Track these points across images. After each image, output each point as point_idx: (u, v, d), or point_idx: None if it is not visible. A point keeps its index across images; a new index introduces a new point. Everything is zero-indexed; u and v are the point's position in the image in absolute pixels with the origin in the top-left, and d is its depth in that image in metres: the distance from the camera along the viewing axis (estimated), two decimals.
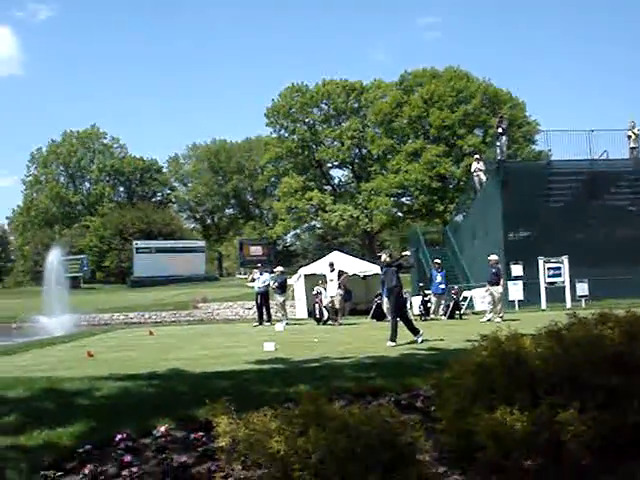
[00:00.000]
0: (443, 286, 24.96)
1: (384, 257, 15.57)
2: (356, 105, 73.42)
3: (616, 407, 4.47)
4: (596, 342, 4.87)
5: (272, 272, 25.40)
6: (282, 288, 24.32)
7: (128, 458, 4.97)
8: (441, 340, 14.22)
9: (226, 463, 4.42)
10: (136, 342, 17.64)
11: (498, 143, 31.64)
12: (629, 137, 31.35)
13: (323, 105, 74.10)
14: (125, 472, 4.74)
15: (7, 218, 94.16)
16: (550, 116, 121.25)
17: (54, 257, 32.01)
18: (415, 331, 14.56)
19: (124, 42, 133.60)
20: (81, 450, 5.20)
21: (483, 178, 32.34)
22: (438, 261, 26.13)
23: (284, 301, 24.40)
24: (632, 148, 31.36)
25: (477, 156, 35.09)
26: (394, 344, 13.63)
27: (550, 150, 34.89)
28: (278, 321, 22.94)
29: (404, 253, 15.43)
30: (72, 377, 9.15)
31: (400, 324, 14.43)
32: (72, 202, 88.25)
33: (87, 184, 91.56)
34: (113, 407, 6.87)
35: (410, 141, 67.30)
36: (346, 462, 3.91)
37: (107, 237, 74.33)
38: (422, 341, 14.02)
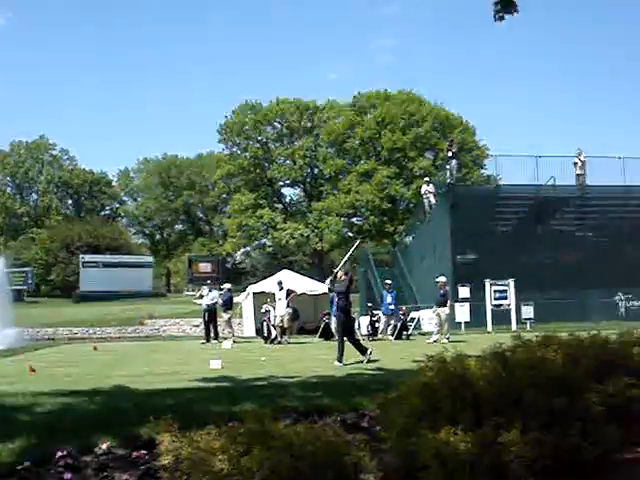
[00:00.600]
0: (393, 307, 25.14)
1: (340, 274, 15.47)
2: (309, 125, 73.69)
3: (558, 428, 4.54)
4: (539, 364, 4.95)
5: (220, 289, 25.28)
6: (228, 305, 24.24)
7: (68, 476, 4.86)
8: (388, 360, 14.28)
9: None
10: (80, 358, 17.35)
11: (448, 166, 32.12)
12: (575, 164, 32.10)
13: (276, 123, 74.20)
14: None
15: None
16: (499, 141, 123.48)
17: None
18: (363, 351, 14.57)
19: (76, 53, 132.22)
20: (20, 467, 5.08)
21: (432, 201, 32.73)
22: (389, 282, 26.33)
23: (229, 318, 24.32)
24: (578, 175, 32.11)
25: (427, 179, 35.52)
26: (341, 364, 13.65)
27: (499, 175, 35.57)
28: (225, 339, 22.80)
29: (340, 274, 15.39)
30: (13, 392, 8.95)
31: (347, 344, 14.46)
32: (18, 213, 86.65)
33: (34, 195, 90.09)
34: (54, 423, 6.72)
35: (362, 162, 67.75)
36: None
37: (53, 250, 73.03)
38: (369, 361, 14.05)
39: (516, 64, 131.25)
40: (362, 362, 13.98)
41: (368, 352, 14.48)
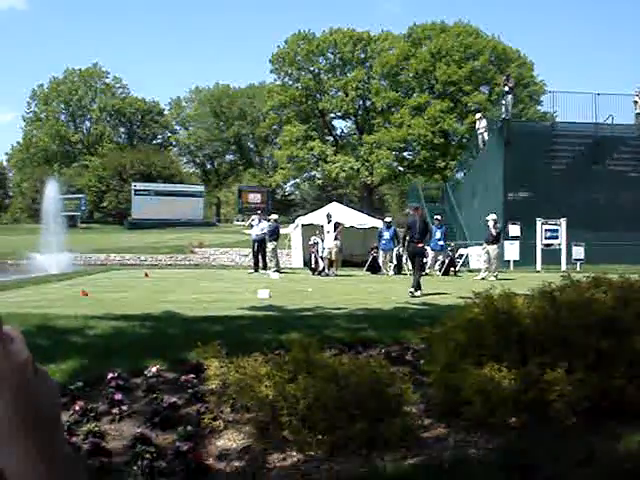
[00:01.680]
0: (442, 242, 24.96)
1: (411, 211, 16.77)
2: (362, 56, 72.47)
3: (603, 370, 4.51)
4: (588, 305, 4.90)
5: (267, 220, 25.37)
6: (274, 236, 24.34)
7: (119, 396, 5.02)
8: (434, 296, 14.29)
9: (215, 406, 4.48)
10: (131, 283, 17.71)
11: (503, 102, 31.42)
12: (635, 102, 31.12)
13: (329, 54, 73.14)
14: (115, 410, 4.80)
15: (6, 154, 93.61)
16: (557, 78, 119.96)
17: (51, 194, 31.90)
18: (418, 286, 14.93)
19: None
20: (72, 387, 5.26)
21: (486, 137, 32.18)
22: (438, 217, 26.12)
23: (275, 248, 24.44)
24: (638, 114, 31.16)
25: (479, 115, 34.82)
26: (417, 294, 14.38)
27: (555, 112, 34.73)
28: (273, 269, 23.02)
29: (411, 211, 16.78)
30: (66, 315, 9.19)
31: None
32: (72, 141, 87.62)
33: (87, 123, 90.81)
34: (106, 346, 6.91)
35: (415, 95, 66.62)
36: (333, 410, 3.96)
37: (106, 178, 73.96)
38: (412, 296, 14.28)
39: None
40: (410, 294, 14.34)
41: (419, 292, 14.70)
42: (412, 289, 14.61)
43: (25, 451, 0.68)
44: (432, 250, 25.02)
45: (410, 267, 24.82)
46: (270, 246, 24.20)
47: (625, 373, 4.51)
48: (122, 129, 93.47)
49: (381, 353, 6.33)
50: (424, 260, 18.32)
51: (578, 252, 26.88)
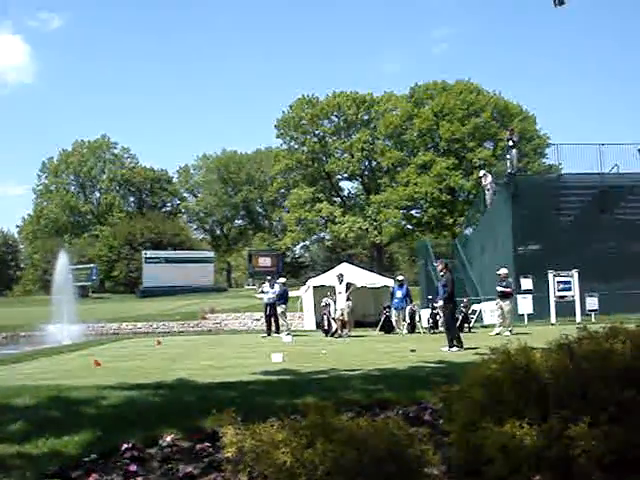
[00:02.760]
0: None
1: (441, 267, 17.28)
2: (366, 117, 73.55)
3: (627, 421, 4.42)
4: (607, 356, 4.82)
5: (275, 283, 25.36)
6: (283, 298, 24.32)
7: (133, 467, 4.94)
8: (449, 353, 14.16)
9: (232, 474, 4.38)
10: (144, 352, 17.63)
11: (508, 156, 31.63)
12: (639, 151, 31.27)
13: (333, 117, 74.27)
14: None
15: (17, 227, 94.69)
16: (561, 130, 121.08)
17: (62, 265, 32.07)
18: (456, 344, 15.34)
19: (135, 52, 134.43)
20: (87, 459, 5.18)
21: (493, 193, 32.33)
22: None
23: (284, 311, 24.39)
24: None
25: (482, 172, 35.05)
26: (457, 349, 14.86)
27: (560, 164, 34.96)
28: (286, 332, 22.92)
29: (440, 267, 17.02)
30: (79, 386, 9.13)
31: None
32: (82, 211, 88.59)
33: (97, 194, 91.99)
34: (119, 416, 6.84)
35: (420, 154, 67.32)
36: (353, 474, 3.87)
37: (116, 247, 74.52)
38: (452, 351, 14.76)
39: (576, 51, 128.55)
40: (447, 350, 14.95)
41: (456, 348, 15.10)
42: (455, 346, 15.12)
43: None
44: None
45: (424, 326, 24.83)
46: (279, 309, 24.17)
47: None
48: (131, 198, 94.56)
49: (399, 414, 6.23)
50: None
51: (592, 303, 26.72)
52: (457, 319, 19.05)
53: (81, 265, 62.37)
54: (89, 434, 6.04)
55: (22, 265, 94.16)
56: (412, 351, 14.62)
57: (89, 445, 5.66)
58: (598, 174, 30.49)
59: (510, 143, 31.55)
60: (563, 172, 34.01)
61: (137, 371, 12.03)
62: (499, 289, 21.61)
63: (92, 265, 67.78)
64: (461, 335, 16.01)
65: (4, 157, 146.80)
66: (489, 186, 32.61)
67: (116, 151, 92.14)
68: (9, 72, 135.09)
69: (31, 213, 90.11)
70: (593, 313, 26.14)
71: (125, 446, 5.38)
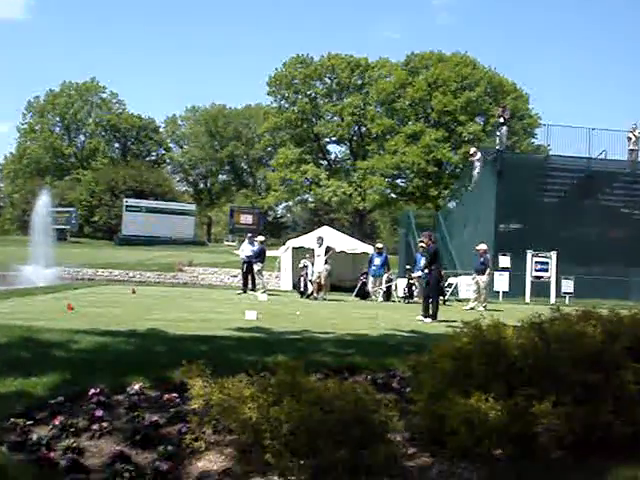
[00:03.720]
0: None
1: (426, 240, 16.98)
2: (360, 82, 72.97)
3: (591, 404, 4.47)
4: (577, 338, 4.87)
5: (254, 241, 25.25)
6: (260, 257, 24.30)
7: (99, 413, 4.95)
8: (422, 324, 14.26)
9: (197, 426, 4.41)
10: (118, 299, 17.62)
11: (498, 133, 31.61)
12: (629, 139, 31.37)
13: (326, 79, 73.64)
14: (95, 426, 4.72)
15: None
16: (552, 111, 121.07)
17: (42, 207, 31.82)
18: (435, 315, 15.42)
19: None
20: (53, 401, 5.19)
21: (478, 169, 32.37)
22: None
23: (260, 270, 24.40)
24: (631, 150, 31.40)
25: (474, 149, 35.01)
26: (429, 321, 14.85)
27: (549, 145, 34.96)
28: (261, 291, 22.96)
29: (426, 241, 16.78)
30: (51, 328, 9.12)
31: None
32: (65, 154, 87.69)
33: (82, 137, 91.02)
34: (89, 361, 6.84)
35: (410, 123, 67.06)
36: (317, 435, 3.90)
37: (98, 192, 73.94)
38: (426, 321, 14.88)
39: (575, 33, 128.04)
40: (422, 321, 14.96)
41: (430, 320, 15.14)
42: (429, 317, 15.20)
43: None
44: (417, 278, 25.05)
45: (399, 295, 24.94)
46: (256, 267, 24.18)
47: (613, 408, 4.47)
48: (116, 144, 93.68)
49: (368, 379, 6.28)
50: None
51: (567, 285, 26.94)
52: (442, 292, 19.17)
53: (61, 208, 61.88)
54: (58, 377, 6.03)
55: (1, 204, 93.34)
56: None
57: (57, 387, 5.66)
58: (585, 158, 30.57)
59: (501, 120, 31.50)
60: (551, 153, 34.04)
61: (110, 318, 12.01)
62: (477, 264, 21.73)
63: (72, 209, 67.23)
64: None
65: None
66: (477, 163, 32.59)
67: (104, 95, 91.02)
68: (1, 6, 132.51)
69: (13, 152, 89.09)
70: (568, 296, 26.36)
71: (92, 391, 5.39)
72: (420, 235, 32.08)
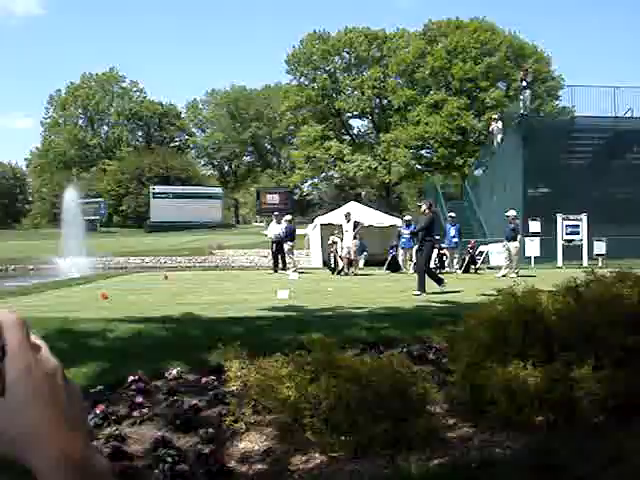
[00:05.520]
0: (456, 240, 24.89)
1: (424, 207, 15.77)
2: (378, 54, 72.30)
3: (631, 366, 4.42)
4: (614, 300, 4.81)
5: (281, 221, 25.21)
6: (290, 235, 24.28)
7: (139, 399, 4.99)
8: (455, 294, 14.19)
9: (236, 407, 4.43)
10: (151, 286, 17.74)
11: (521, 97, 31.22)
12: None
13: (344, 53, 73.06)
14: (136, 413, 4.77)
15: (25, 160, 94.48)
16: (576, 72, 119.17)
17: (71, 199, 32.09)
18: (439, 281, 14.89)
19: None
20: (93, 391, 5.24)
21: (498, 139, 32.08)
22: (452, 214, 26.04)
23: (291, 248, 24.38)
24: None
25: (495, 116, 34.60)
26: (420, 294, 14.00)
27: (574, 106, 34.45)
28: (292, 269, 22.99)
29: (423, 207, 15.78)
30: (87, 318, 9.20)
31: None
32: (90, 145, 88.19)
33: (105, 127, 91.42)
34: (126, 349, 6.90)
35: (432, 92, 66.36)
36: (356, 411, 3.90)
37: (124, 181, 74.37)
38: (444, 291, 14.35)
39: None
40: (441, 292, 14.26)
41: (444, 282, 14.83)
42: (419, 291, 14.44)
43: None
44: (448, 248, 24.91)
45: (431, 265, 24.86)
46: (286, 247, 24.18)
47: None
48: (140, 132, 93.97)
49: (403, 352, 6.27)
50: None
51: (599, 247, 26.63)
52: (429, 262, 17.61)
53: (89, 199, 62.38)
54: (96, 366, 6.10)
55: (30, 198, 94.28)
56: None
57: (96, 377, 5.72)
58: (612, 117, 30.10)
59: (523, 84, 31.11)
60: (576, 115, 33.55)
61: (144, 305, 12.11)
62: (507, 230, 21.58)
63: (100, 199, 67.69)
64: (426, 280, 14.80)
65: (12, 89, 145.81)
66: (496, 131, 32.27)
67: (124, 85, 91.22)
68: (17, 3, 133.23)
69: (39, 146, 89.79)
70: (600, 258, 26.06)
71: (131, 378, 5.44)
72: (446, 207, 32.07)
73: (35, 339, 0.75)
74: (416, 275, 15.38)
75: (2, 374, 0.69)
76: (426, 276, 14.83)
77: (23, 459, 0.68)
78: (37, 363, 0.72)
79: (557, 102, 61.58)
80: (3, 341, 0.70)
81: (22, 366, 0.70)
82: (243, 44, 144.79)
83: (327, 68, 72.71)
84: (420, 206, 17.29)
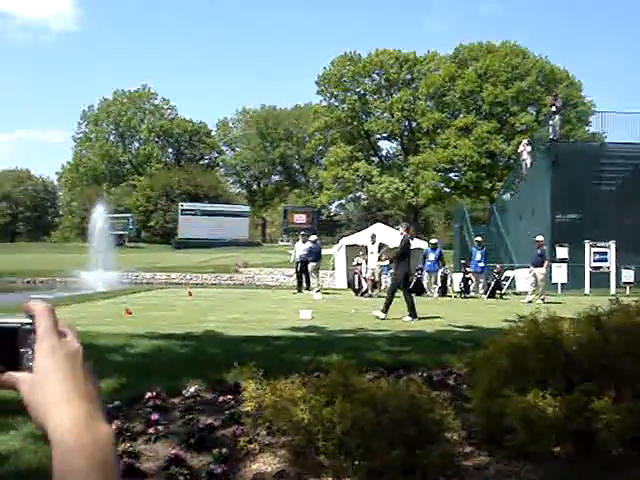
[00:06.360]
0: (482, 264, 24.69)
1: (402, 230, 15.68)
2: (408, 77, 72.46)
3: None
4: (637, 330, 4.73)
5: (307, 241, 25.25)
6: (315, 255, 24.26)
7: (155, 416, 4.99)
8: (478, 318, 14.05)
9: (251, 428, 4.41)
10: (174, 302, 17.81)
11: (551, 122, 31.04)
12: None
13: (375, 75, 73.32)
14: (151, 430, 4.77)
15: (57, 173, 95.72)
16: (606, 98, 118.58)
17: (100, 214, 32.40)
18: (386, 308, 14.02)
19: (178, 4, 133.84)
20: (111, 406, 5.25)
21: (528, 163, 31.89)
22: (479, 239, 25.86)
23: (315, 269, 24.36)
24: None
25: (525, 141, 34.45)
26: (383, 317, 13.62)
27: (604, 132, 34.24)
28: (316, 290, 22.96)
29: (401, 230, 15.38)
30: (108, 333, 9.25)
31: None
32: (120, 161, 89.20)
33: (136, 144, 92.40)
34: (146, 365, 6.93)
35: (461, 116, 66.37)
36: (370, 435, 3.86)
37: (153, 197, 75.06)
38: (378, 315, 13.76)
39: (625, 16, 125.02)
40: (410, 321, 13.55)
41: (383, 315, 13.85)
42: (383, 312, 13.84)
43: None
44: (473, 272, 24.74)
45: (455, 290, 24.71)
46: (310, 267, 24.16)
47: None
48: (170, 149, 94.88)
49: (423, 377, 6.21)
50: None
51: (628, 275, 26.30)
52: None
53: (118, 214, 62.98)
54: (115, 381, 6.12)
55: (60, 212, 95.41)
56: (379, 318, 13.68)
57: (115, 392, 5.74)
58: None
59: (553, 109, 30.94)
60: (607, 141, 33.31)
61: (167, 321, 12.15)
62: (535, 256, 21.39)
63: (129, 214, 68.39)
64: (391, 303, 14.14)
65: (46, 104, 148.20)
66: (525, 155, 32.11)
67: (156, 102, 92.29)
68: (54, 19, 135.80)
69: (70, 161, 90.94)
70: (628, 286, 25.72)
71: (149, 394, 5.44)
72: (473, 230, 31.88)
73: (63, 326, 0.91)
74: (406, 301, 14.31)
75: (33, 353, 0.86)
76: (414, 299, 14.32)
77: (42, 427, 0.83)
78: (61, 345, 0.88)
79: (587, 128, 61.22)
80: (34, 326, 0.87)
81: (48, 347, 0.87)
82: (275, 64, 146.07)
83: (357, 89, 72.99)
84: (399, 229, 16.76)
